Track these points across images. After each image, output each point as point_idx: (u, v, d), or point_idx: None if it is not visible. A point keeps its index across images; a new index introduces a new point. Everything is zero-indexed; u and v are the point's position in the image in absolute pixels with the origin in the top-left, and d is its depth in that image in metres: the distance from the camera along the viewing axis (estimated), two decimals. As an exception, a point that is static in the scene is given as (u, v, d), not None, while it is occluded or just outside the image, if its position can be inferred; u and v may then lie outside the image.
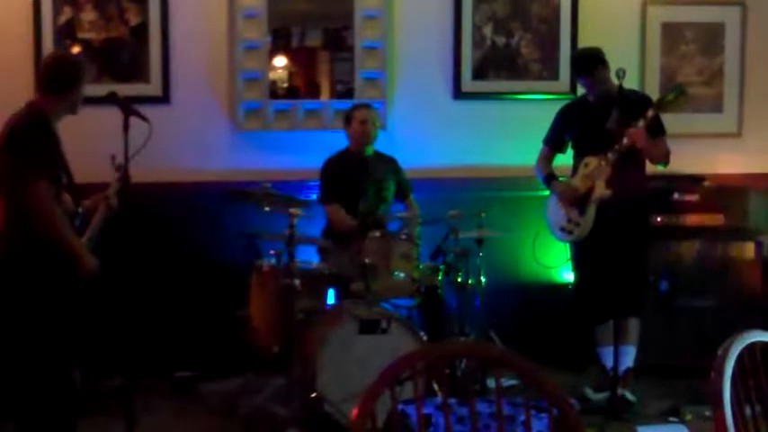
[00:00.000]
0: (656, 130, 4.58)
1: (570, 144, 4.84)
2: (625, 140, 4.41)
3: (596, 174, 4.54)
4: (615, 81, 4.49)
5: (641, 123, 4.41)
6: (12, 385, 3.80)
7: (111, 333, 4.37)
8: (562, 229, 4.73)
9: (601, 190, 4.53)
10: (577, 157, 4.75)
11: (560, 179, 4.84)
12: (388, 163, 5.18)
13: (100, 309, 4.80)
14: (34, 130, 3.71)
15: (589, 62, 4.64)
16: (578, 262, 4.83)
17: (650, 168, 4.77)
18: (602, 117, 4.49)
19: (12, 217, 3.73)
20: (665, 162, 4.68)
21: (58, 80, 3.81)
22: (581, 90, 5.18)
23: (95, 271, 3.76)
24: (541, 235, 5.01)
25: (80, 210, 3.89)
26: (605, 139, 4.47)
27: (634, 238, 4.54)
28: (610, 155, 4.46)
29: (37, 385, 3.72)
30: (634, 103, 4.51)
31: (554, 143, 4.88)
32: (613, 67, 4.52)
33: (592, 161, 4.59)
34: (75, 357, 3.87)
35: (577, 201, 4.63)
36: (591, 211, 4.57)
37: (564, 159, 4.92)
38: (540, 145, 4.93)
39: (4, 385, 3.87)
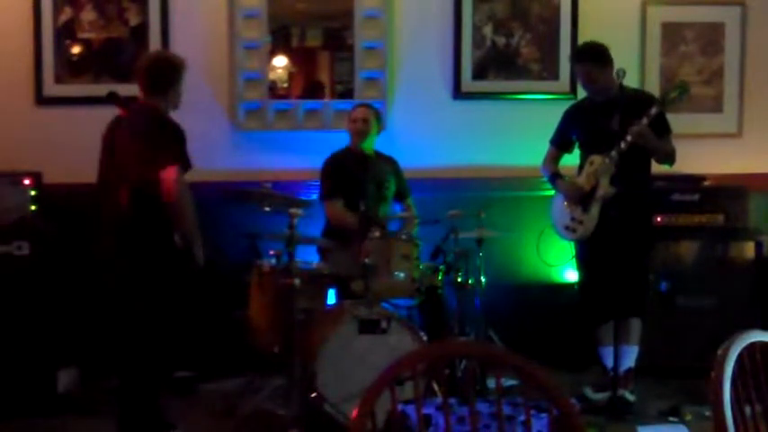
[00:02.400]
0: (662, 129, 4.57)
1: (577, 144, 4.84)
2: (628, 138, 4.41)
3: (600, 172, 4.54)
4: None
5: (645, 120, 4.41)
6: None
7: (111, 333, 4.39)
8: (566, 228, 4.73)
9: (605, 188, 4.52)
10: (584, 157, 4.74)
11: (566, 178, 4.84)
12: (389, 163, 5.20)
13: (99, 308, 4.82)
14: (167, 122, 3.87)
15: (598, 53, 4.61)
16: (582, 261, 4.82)
17: (653, 168, 4.77)
18: (607, 116, 4.49)
19: (138, 208, 3.82)
20: (671, 162, 4.68)
21: (160, 80, 3.96)
22: (581, 90, 5.18)
23: (201, 265, 3.97)
24: (545, 234, 5.00)
25: None
26: (610, 138, 4.47)
27: (637, 238, 4.54)
28: (614, 153, 4.46)
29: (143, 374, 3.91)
30: (637, 102, 4.51)
31: (560, 143, 4.88)
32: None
33: (596, 159, 4.59)
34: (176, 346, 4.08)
35: (581, 199, 4.63)
36: (594, 210, 4.57)
37: (571, 160, 4.91)
38: (541, 144, 4.93)
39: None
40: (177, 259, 3.86)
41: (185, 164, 3.84)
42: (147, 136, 3.82)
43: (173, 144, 3.81)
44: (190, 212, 3.84)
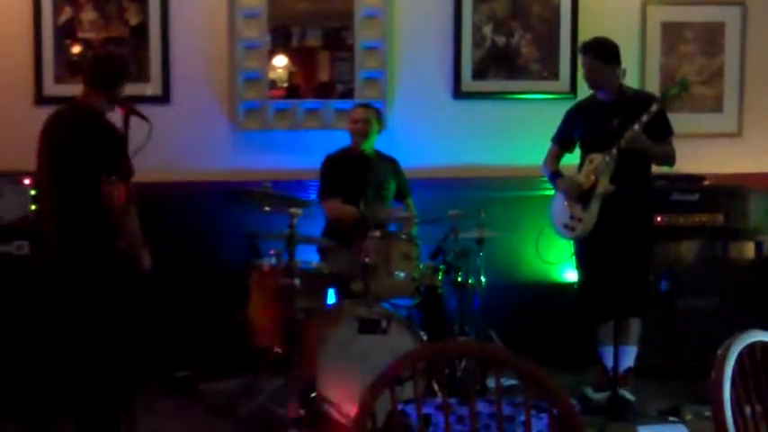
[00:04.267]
0: (663, 130, 4.57)
1: (578, 143, 4.83)
2: (623, 143, 4.41)
3: (600, 169, 4.54)
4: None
5: (645, 118, 4.41)
6: (72, 382, 3.92)
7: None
8: (565, 226, 4.72)
9: (604, 185, 4.52)
10: (583, 155, 4.74)
11: (566, 177, 4.83)
12: (390, 163, 5.20)
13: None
14: (105, 128, 3.79)
15: (604, 49, 4.61)
16: (582, 261, 4.82)
17: (653, 168, 4.76)
18: (609, 116, 4.49)
19: (73, 214, 3.77)
20: (670, 164, 4.67)
21: (106, 76, 3.90)
22: (581, 89, 5.19)
23: (149, 271, 3.88)
24: (545, 233, 4.99)
25: None
26: (611, 137, 4.47)
27: (637, 237, 4.53)
28: (614, 150, 4.46)
29: (97, 382, 3.80)
30: (639, 102, 4.51)
31: (562, 142, 4.87)
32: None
33: (596, 157, 4.59)
34: (133, 355, 3.97)
35: (581, 197, 4.63)
36: (594, 207, 4.56)
37: (571, 159, 4.90)
38: (541, 144, 4.92)
39: (63, 382, 4.03)
40: (121, 265, 3.79)
41: (126, 171, 3.77)
42: (88, 144, 3.76)
43: (113, 153, 3.74)
44: (132, 221, 3.78)
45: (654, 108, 4.42)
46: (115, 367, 3.82)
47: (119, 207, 3.70)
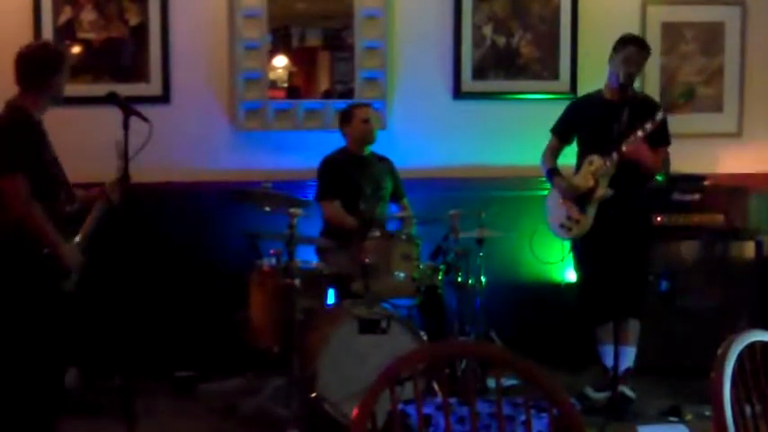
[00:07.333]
0: (662, 138, 4.56)
1: (576, 140, 4.82)
2: (624, 150, 4.41)
3: (599, 173, 4.54)
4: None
5: (648, 126, 4.40)
6: None
7: (111, 333, 4.39)
8: (561, 226, 4.72)
9: (603, 190, 4.52)
10: (582, 154, 4.72)
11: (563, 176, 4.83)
12: (384, 163, 5.19)
13: (99, 309, 4.82)
14: (11, 125, 3.61)
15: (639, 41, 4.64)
16: (580, 261, 4.82)
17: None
18: (614, 116, 4.48)
19: None
20: (665, 173, 4.68)
21: (35, 74, 3.67)
22: (581, 89, 5.19)
23: (78, 268, 3.69)
24: (539, 232, 4.99)
25: (69, 208, 3.79)
26: (613, 139, 4.46)
27: (635, 238, 4.54)
28: (615, 156, 4.46)
29: (17, 386, 3.61)
30: (645, 106, 4.51)
31: (562, 134, 4.84)
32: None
33: (596, 160, 4.58)
34: (61, 358, 3.82)
35: (578, 198, 4.63)
36: (591, 210, 4.57)
37: (568, 159, 4.90)
38: (541, 144, 4.90)
39: None
40: (36, 271, 3.56)
41: (34, 170, 3.53)
42: None
43: (17, 150, 3.51)
44: (36, 219, 3.51)
45: (658, 117, 4.43)
46: (31, 387, 3.60)
47: (16, 204, 3.47)
